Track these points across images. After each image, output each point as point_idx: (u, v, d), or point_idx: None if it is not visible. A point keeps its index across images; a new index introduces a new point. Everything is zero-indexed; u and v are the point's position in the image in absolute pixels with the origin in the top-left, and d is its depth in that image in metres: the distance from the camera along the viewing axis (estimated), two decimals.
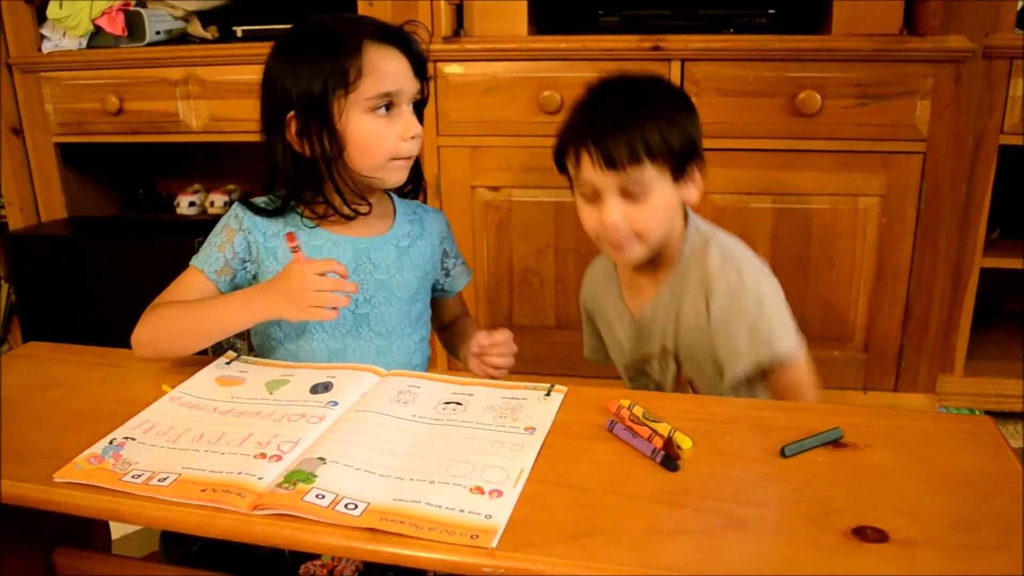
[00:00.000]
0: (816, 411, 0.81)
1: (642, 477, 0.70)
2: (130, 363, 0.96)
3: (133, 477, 0.71)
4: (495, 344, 1.03)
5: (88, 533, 1.11)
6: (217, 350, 1.01)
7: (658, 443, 0.73)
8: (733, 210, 1.66)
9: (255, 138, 1.03)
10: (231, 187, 2.16)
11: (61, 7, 1.90)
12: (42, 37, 1.98)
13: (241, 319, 0.95)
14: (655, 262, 1.07)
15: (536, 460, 0.73)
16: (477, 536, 0.62)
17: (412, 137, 0.99)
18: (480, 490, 0.67)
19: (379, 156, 0.98)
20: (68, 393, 0.91)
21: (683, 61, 1.60)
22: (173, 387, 0.89)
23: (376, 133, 0.97)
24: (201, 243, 1.05)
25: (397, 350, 1.07)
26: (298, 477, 0.69)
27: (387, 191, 1.09)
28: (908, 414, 1.01)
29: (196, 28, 1.98)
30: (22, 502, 0.72)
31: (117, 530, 1.26)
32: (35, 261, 1.96)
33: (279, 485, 0.68)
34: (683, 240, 1.06)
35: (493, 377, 1.03)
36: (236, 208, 1.04)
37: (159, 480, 0.70)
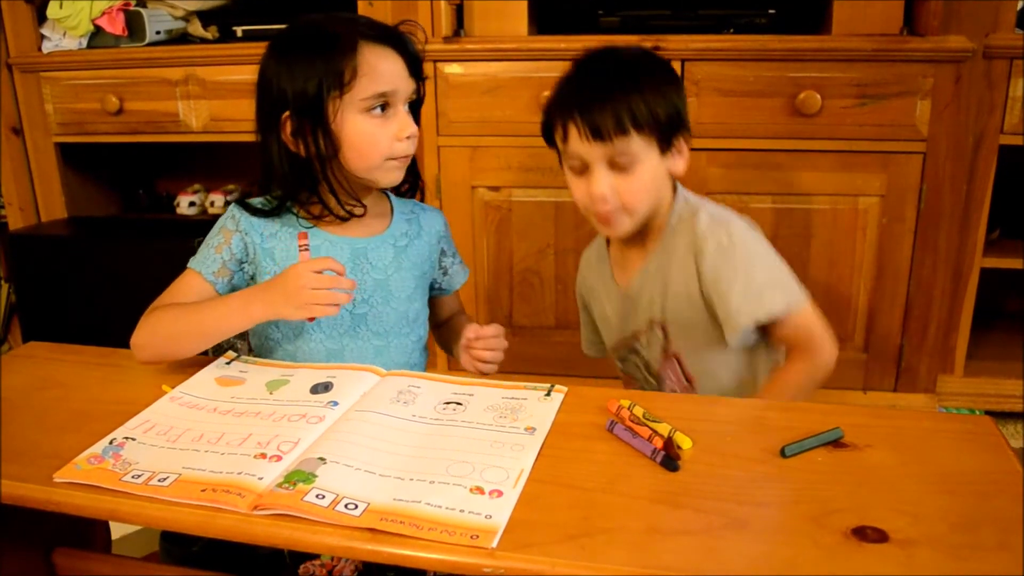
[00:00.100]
0: (816, 411, 0.81)
1: (642, 477, 0.70)
2: (130, 363, 0.96)
3: (133, 477, 0.71)
4: (481, 338, 1.03)
5: (88, 533, 1.11)
6: (217, 350, 1.01)
7: (658, 443, 0.73)
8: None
9: (255, 138, 1.03)
10: (231, 187, 2.16)
11: (61, 7, 1.90)
12: (42, 37, 1.98)
13: (240, 320, 0.95)
14: (643, 234, 1.08)
15: (536, 460, 0.73)
16: (477, 536, 0.62)
17: (407, 137, 0.99)
18: (480, 490, 0.67)
19: (374, 156, 0.98)
20: (68, 393, 0.91)
21: (683, 61, 1.60)
22: (173, 387, 0.89)
23: (371, 133, 0.97)
24: (201, 243, 1.05)
25: (395, 350, 1.07)
26: (298, 477, 0.69)
27: (384, 190, 1.09)
28: (908, 414, 1.01)
29: (196, 28, 1.98)
30: (22, 502, 0.72)
31: (117, 530, 1.26)
32: (35, 261, 1.96)
33: (279, 485, 0.68)
34: (671, 211, 1.07)
35: (483, 373, 1.03)
36: (233, 209, 1.04)
37: (159, 480, 0.70)
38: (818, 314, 1.02)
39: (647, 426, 0.76)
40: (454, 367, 1.07)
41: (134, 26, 1.92)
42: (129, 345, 0.96)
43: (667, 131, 1.01)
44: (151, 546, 1.34)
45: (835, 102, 1.58)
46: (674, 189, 1.08)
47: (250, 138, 1.03)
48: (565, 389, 0.87)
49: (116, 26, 1.91)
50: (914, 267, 1.66)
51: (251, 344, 1.10)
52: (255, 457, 0.73)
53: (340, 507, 0.65)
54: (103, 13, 1.91)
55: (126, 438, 0.78)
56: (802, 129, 1.61)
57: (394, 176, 1.02)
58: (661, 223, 1.07)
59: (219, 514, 0.66)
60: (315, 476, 0.69)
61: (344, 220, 1.02)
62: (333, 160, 0.98)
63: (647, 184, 1.02)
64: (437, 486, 0.68)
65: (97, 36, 1.95)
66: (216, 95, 1.88)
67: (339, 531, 0.63)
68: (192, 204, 2.16)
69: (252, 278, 1.04)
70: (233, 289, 1.01)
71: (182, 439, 0.78)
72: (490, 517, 0.64)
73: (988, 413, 1.48)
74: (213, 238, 1.03)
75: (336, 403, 0.83)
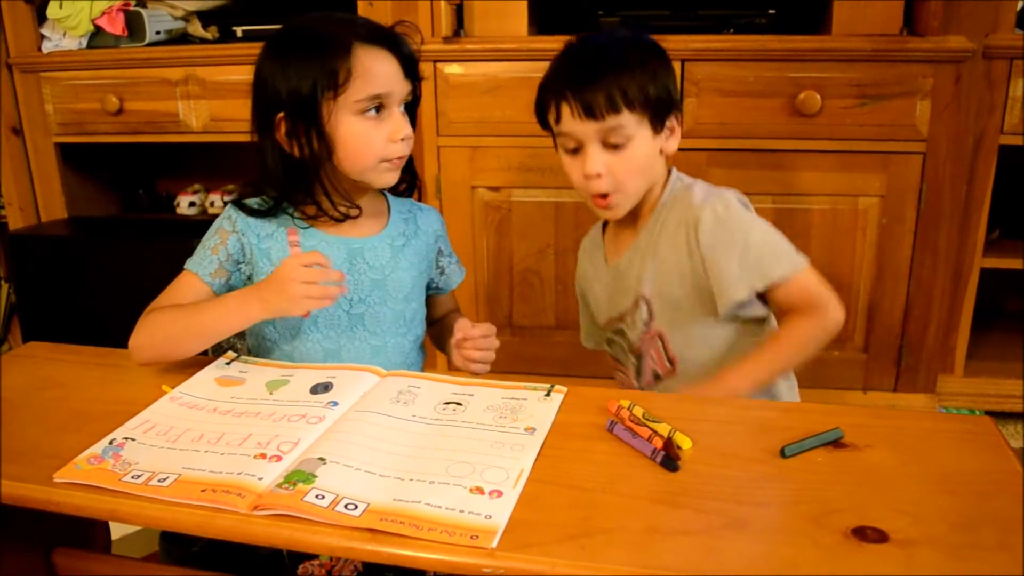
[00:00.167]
0: (816, 411, 0.81)
1: (642, 477, 0.70)
2: (130, 363, 0.96)
3: (133, 477, 0.71)
4: (469, 339, 1.03)
5: (88, 533, 1.11)
6: (217, 351, 1.01)
7: (658, 443, 0.73)
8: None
9: (251, 138, 1.03)
10: (231, 187, 2.15)
11: (61, 7, 1.90)
12: (42, 37, 1.98)
13: (238, 320, 0.95)
14: (635, 213, 1.09)
15: (536, 460, 0.73)
16: (477, 536, 0.62)
17: (402, 139, 0.99)
18: (480, 490, 0.67)
19: (368, 158, 0.98)
20: (68, 393, 0.91)
21: (683, 61, 1.60)
22: (173, 387, 0.89)
23: (365, 135, 0.97)
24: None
25: (392, 349, 1.07)
26: (298, 477, 0.69)
27: (382, 190, 1.09)
28: (908, 414, 1.01)
29: (196, 28, 1.98)
30: (22, 502, 0.72)
31: (117, 530, 1.26)
32: (35, 261, 1.96)
33: (279, 485, 0.68)
34: (664, 190, 1.08)
35: (474, 372, 1.03)
36: (229, 210, 1.04)
37: (159, 480, 0.70)
38: (820, 277, 1.01)
39: (647, 426, 0.76)
40: (454, 367, 1.07)
41: (134, 26, 1.92)
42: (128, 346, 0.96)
43: (658, 109, 1.02)
44: (151, 546, 1.34)
45: (835, 102, 1.58)
46: (668, 171, 1.10)
47: (250, 138, 1.03)
48: (565, 389, 0.87)
49: (116, 26, 1.91)
50: (914, 267, 1.66)
51: (248, 345, 1.10)
52: (255, 457, 0.73)
53: (340, 507, 0.65)
54: (103, 13, 1.91)
55: (126, 438, 0.78)
56: (802, 129, 1.61)
57: (388, 178, 1.02)
58: (654, 202, 1.09)
59: (219, 514, 0.66)
60: (315, 476, 0.69)
61: (339, 221, 1.02)
62: (327, 161, 0.98)
63: (640, 162, 1.03)
64: (437, 486, 0.68)
65: (97, 36, 1.95)
66: (216, 95, 1.88)
67: (339, 531, 0.63)
68: (192, 204, 2.16)
69: (249, 278, 1.03)
70: (230, 290, 1.01)
71: (182, 439, 0.78)
72: (490, 517, 0.64)
73: (988, 413, 1.48)
74: (210, 239, 1.03)
75: (336, 403, 0.83)
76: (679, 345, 1.08)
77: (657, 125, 1.03)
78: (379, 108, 0.97)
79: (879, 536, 0.61)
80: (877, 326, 1.70)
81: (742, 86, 1.60)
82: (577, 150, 1.04)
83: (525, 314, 1.83)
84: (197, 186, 2.20)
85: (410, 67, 1.00)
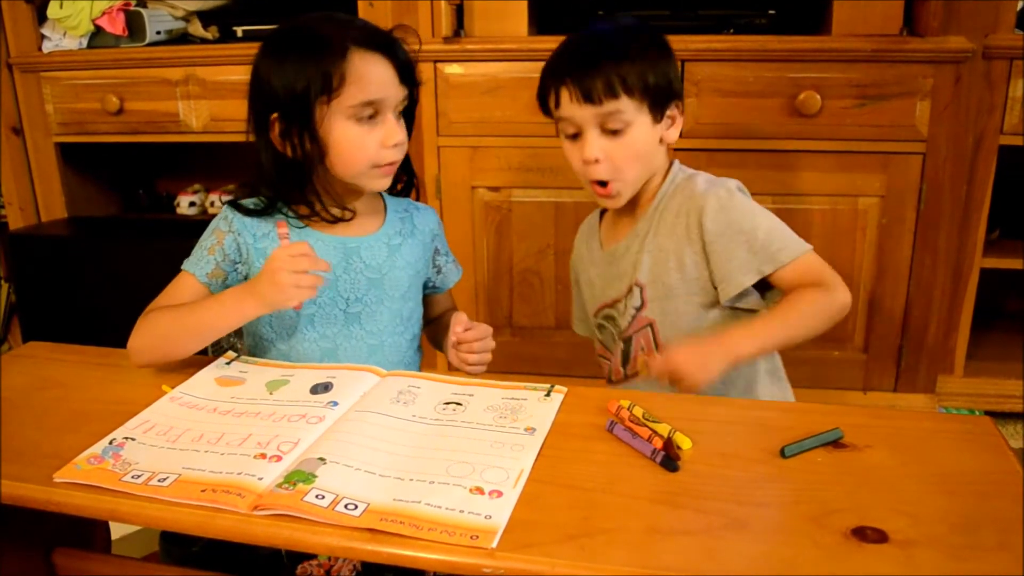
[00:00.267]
0: (816, 411, 0.81)
1: (642, 478, 0.70)
2: (130, 363, 0.96)
3: (133, 477, 0.71)
4: (463, 342, 1.03)
5: (88, 533, 1.11)
6: (217, 350, 1.01)
7: (658, 443, 0.74)
8: None
9: (246, 138, 1.03)
10: (231, 187, 2.16)
11: (61, 7, 1.90)
12: (42, 37, 1.98)
13: (235, 317, 0.95)
14: (634, 202, 1.09)
15: (536, 460, 0.73)
16: (477, 536, 0.62)
17: (394, 145, 0.98)
18: (480, 490, 0.67)
19: (360, 163, 0.98)
20: (68, 393, 0.91)
21: (683, 62, 1.60)
22: (173, 387, 0.89)
23: (358, 140, 0.97)
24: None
25: (389, 348, 1.07)
26: (298, 477, 0.69)
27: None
28: (908, 414, 1.01)
29: (196, 28, 1.98)
30: (22, 502, 0.72)
31: (117, 530, 1.26)
32: (35, 261, 1.96)
33: (279, 485, 0.68)
34: (665, 179, 1.09)
35: (470, 374, 1.03)
36: (225, 211, 1.04)
37: (159, 480, 0.70)
38: (825, 262, 1.01)
39: (647, 426, 0.76)
40: (453, 367, 1.07)
41: (134, 26, 1.92)
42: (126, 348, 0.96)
43: (658, 97, 1.03)
44: (151, 546, 1.34)
45: (835, 102, 1.58)
46: (670, 163, 1.11)
47: (246, 138, 1.03)
48: (565, 389, 0.87)
49: (116, 26, 1.91)
50: (914, 267, 1.66)
51: (246, 345, 1.10)
52: (255, 457, 0.73)
53: (340, 507, 0.65)
54: (103, 13, 1.91)
55: (126, 438, 0.78)
56: (802, 129, 1.61)
57: (380, 183, 1.02)
58: (654, 191, 1.09)
59: (219, 514, 0.66)
60: (315, 476, 0.69)
61: (332, 223, 1.02)
62: (320, 164, 0.98)
63: (639, 148, 1.03)
64: (437, 486, 0.68)
65: (97, 36, 1.95)
66: (216, 95, 1.88)
67: (339, 531, 0.64)
68: (192, 204, 2.16)
69: (246, 279, 1.03)
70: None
71: (182, 439, 0.78)
72: (490, 517, 0.64)
73: (988, 413, 1.48)
74: (206, 240, 1.04)
75: (336, 403, 0.83)
76: (668, 334, 1.08)
77: (657, 113, 1.03)
78: (373, 114, 0.97)
79: (879, 536, 0.61)
80: (877, 326, 1.71)
81: (742, 86, 1.60)
82: (577, 135, 1.05)
83: (525, 314, 1.83)
84: (197, 186, 2.20)
85: (406, 72, 0.99)
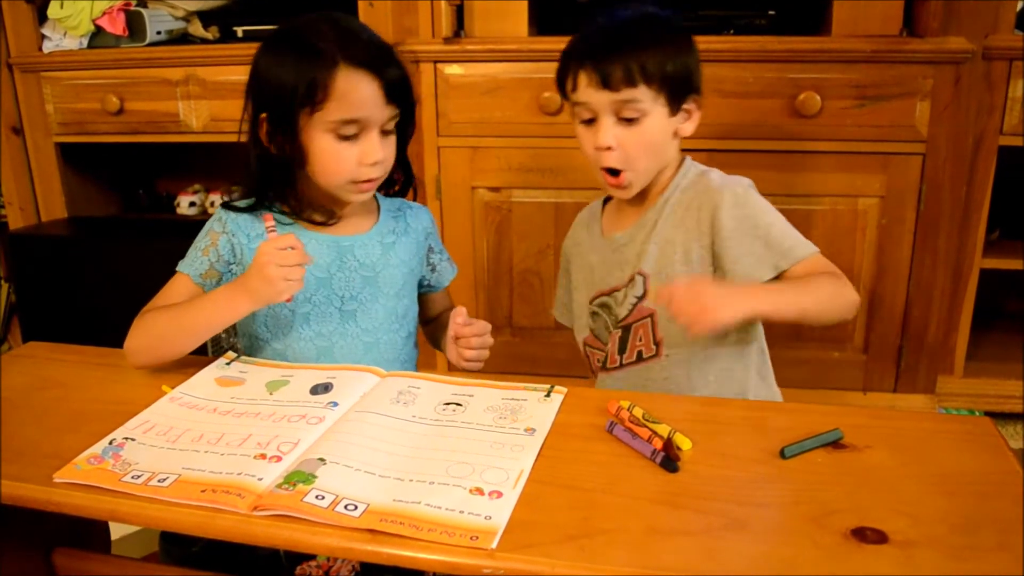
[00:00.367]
0: (816, 412, 0.81)
1: (642, 478, 0.70)
2: (128, 363, 0.96)
3: (133, 478, 0.71)
4: (461, 337, 1.03)
5: (88, 533, 1.11)
6: (217, 351, 1.01)
7: (658, 444, 0.74)
8: None
9: (238, 138, 1.03)
10: (235, 188, 2.16)
11: (62, 7, 1.90)
12: (43, 37, 1.98)
13: (229, 314, 0.95)
14: (643, 193, 1.08)
15: (536, 461, 0.73)
16: (477, 537, 0.62)
17: (373, 164, 0.98)
18: (480, 491, 0.67)
19: (338, 177, 0.98)
20: (68, 393, 0.91)
21: None
22: (173, 387, 0.89)
23: (336, 155, 0.97)
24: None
25: (385, 346, 1.07)
26: (298, 478, 0.69)
27: None
28: (908, 415, 1.01)
29: (197, 28, 1.98)
30: (22, 502, 0.72)
31: (117, 530, 1.26)
32: (35, 261, 1.96)
33: (279, 486, 0.68)
34: (677, 172, 1.08)
35: (467, 370, 1.03)
36: (219, 211, 1.05)
37: (159, 481, 0.70)
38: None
39: (647, 427, 0.76)
40: (453, 367, 1.07)
41: (135, 26, 1.92)
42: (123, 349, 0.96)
43: (676, 89, 1.02)
44: (151, 546, 1.34)
45: (835, 103, 1.58)
46: (682, 158, 1.10)
47: (237, 137, 1.04)
48: (565, 390, 0.87)
49: (117, 26, 1.91)
50: (914, 268, 1.66)
51: (242, 344, 1.10)
52: (255, 458, 0.73)
53: (340, 508, 0.65)
54: (104, 13, 1.91)
55: (126, 438, 0.78)
56: (802, 130, 1.61)
57: (358, 198, 1.02)
58: (665, 183, 1.08)
59: (219, 515, 0.66)
60: (315, 477, 0.69)
61: (317, 225, 1.02)
62: (301, 169, 0.99)
63: (652, 138, 1.02)
64: (437, 487, 0.68)
65: (98, 36, 1.95)
66: (216, 95, 1.88)
67: (339, 532, 0.64)
68: (192, 204, 2.16)
69: None
70: None
71: (182, 439, 0.78)
72: (490, 518, 0.64)
73: (988, 414, 1.48)
74: (201, 240, 1.04)
75: (336, 404, 0.83)
76: (667, 327, 1.07)
77: (674, 105, 1.03)
78: (356, 131, 0.96)
79: (879, 537, 0.61)
80: (877, 326, 1.71)
81: (742, 87, 1.60)
82: (591, 121, 1.03)
83: (525, 314, 1.83)
84: (197, 186, 2.20)
85: (395, 92, 0.97)
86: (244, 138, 1.02)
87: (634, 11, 1.06)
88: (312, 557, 1.11)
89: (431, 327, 1.21)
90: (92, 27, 1.93)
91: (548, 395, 0.86)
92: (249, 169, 1.02)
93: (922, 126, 1.57)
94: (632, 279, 1.09)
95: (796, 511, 0.65)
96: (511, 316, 1.84)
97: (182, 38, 2.01)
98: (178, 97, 1.90)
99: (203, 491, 0.68)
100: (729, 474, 0.71)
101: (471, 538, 0.61)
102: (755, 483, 0.69)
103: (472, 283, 1.82)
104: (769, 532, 0.63)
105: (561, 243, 1.77)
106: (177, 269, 1.03)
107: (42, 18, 1.97)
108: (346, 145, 0.96)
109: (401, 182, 1.11)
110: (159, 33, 1.94)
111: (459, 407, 0.84)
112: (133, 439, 0.78)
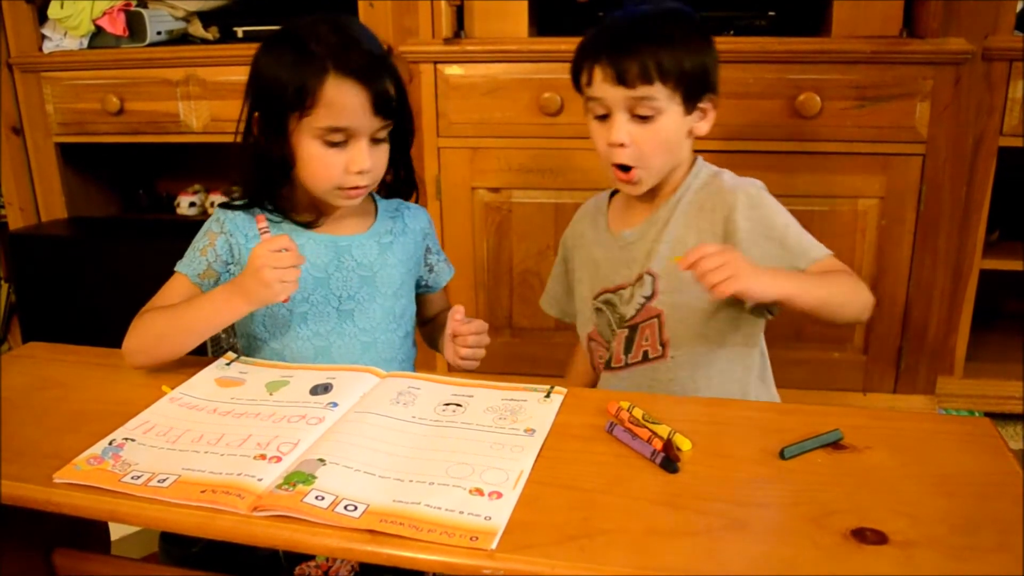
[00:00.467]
0: (815, 413, 0.81)
1: (642, 479, 0.70)
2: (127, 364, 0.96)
3: (133, 478, 0.71)
4: (458, 335, 1.03)
5: (88, 533, 1.11)
6: (217, 351, 1.01)
7: (658, 445, 0.74)
8: None
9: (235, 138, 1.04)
10: (235, 189, 2.15)
11: (62, 7, 1.90)
12: (43, 37, 1.98)
13: (227, 314, 0.96)
14: (654, 191, 1.07)
15: (536, 462, 0.73)
16: (477, 538, 0.62)
17: (359, 172, 0.97)
18: (480, 491, 0.67)
19: (324, 182, 0.98)
20: (68, 393, 0.91)
21: None
22: (173, 388, 0.90)
23: (323, 160, 0.97)
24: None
25: (383, 345, 1.08)
26: (298, 478, 0.69)
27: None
28: (908, 416, 1.01)
29: (197, 28, 1.98)
30: (22, 502, 0.72)
31: (117, 531, 1.26)
32: (35, 261, 1.96)
33: (279, 486, 0.68)
34: (689, 172, 1.07)
35: (462, 369, 1.03)
36: (217, 212, 1.05)
37: (159, 481, 0.70)
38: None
39: (646, 428, 0.76)
40: (452, 368, 1.07)
41: (135, 26, 1.92)
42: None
43: (692, 88, 1.01)
44: (151, 547, 1.34)
45: (835, 104, 1.58)
46: (694, 158, 1.09)
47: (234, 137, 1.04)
48: (565, 390, 0.87)
49: (117, 26, 1.91)
50: (913, 268, 1.66)
51: (240, 344, 1.10)
52: (255, 458, 0.73)
53: (340, 508, 0.65)
54: (104, 13, 1.91)
55: (126, 439, 0.78)
56: (802, 131, 1.61)
57: (346, 203, 1.02)
58: (677, 182, 1.07)
59: (219, 515, 0.66)
60: (315, 477, 0.69)
61: (306, 226, 1.03)
62: (290, 171, 0.99)
63: (666, 136, 1.01)
64: (437, 487, 0.68)
65: (98, 36, 1.95)
66: (216, 95, 1.88)
67: (338, 532, 0.64)
68: (192, 204, 2.17)
69: None
70: None
71: (182, 440, 0.78)
72: (490, 519, 0.64)
73: (988, 415, 1.48)
74: (199, 241, 1.05)
75: (336, 404, 0.83)
76: (674, 328, 1.07)
77: (689, 104, 1.01)
78: (344, 139, 0.96)
79: (878, 537, 0.61)
80: (877, 327, 1.70)
81: (742, 88, 1.60)
82: (605, 117, 1.02)
83: (525, 315, 1.83)
84: (197, 186, 2.20)
85: (383, 104, 0.96)
86: (238, 138, 1.03)
87: (654, 6, 1.05)
88: (311, 557, 1.11)
89: (428, 327, 1.21)
90: (92, 27, 1.93)
91: (548, 396, 0.86)
92: (243, 168, 1.02)
93: (922, 127, 1.57)
94: (640, 278, 1.08)
95: (796, 512, 0.65)
96: (511, 317, 1.84)
97: (182, 38, 2.01)
98: (178, 97, 1.90)
99: (203, 492, 0.68)
100: (729, 475, 0.71)
101: (471, 539, 0.61)
102: (755, 484, 0.69)
103: (472, 283, 1.82)
104: (769, 532, 0.63)
105: None
106: (175, 269, 1.03)
107: (42, 18, 1.97)
108: (334, 152, 0.96)
109: (404, 188, 1.11)
110: (159, 33, 1.94)
111: (459, 408, 0.84)
112: (133, 439, 0.78)
